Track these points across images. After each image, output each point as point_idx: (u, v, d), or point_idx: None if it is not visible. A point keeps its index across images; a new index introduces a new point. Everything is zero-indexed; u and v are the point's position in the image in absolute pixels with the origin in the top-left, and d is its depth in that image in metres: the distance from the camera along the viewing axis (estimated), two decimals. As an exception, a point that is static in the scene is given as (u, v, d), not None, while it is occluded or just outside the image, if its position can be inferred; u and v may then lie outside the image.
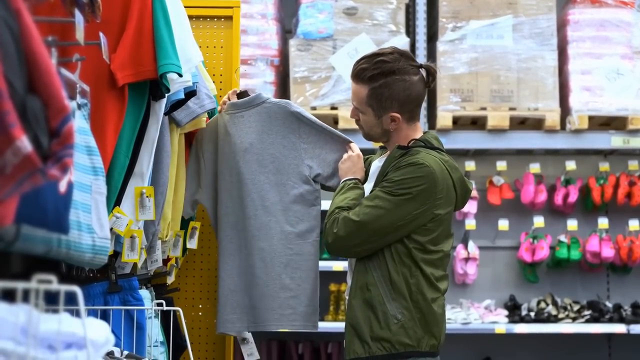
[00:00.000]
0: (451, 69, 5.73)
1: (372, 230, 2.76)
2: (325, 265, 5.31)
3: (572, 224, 5.94)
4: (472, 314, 5.80)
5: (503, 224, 6.00)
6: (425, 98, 2.97)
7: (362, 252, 2.80)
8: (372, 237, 2.77)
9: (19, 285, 1.33)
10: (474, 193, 5.91)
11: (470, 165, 5.98)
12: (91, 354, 1.44)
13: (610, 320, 5.79)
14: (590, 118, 5.76)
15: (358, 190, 2.91)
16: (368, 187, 2.92)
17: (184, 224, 3.28)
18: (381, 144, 3.09)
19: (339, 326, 5.46)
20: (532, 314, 5.88)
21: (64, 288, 1.38)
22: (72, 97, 2.00)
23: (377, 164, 2.95)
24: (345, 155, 3.05)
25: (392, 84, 2.82)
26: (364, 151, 3.37)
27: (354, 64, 2.91)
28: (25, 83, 1.36)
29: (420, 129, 2.94)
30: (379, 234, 2.77)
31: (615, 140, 5.79)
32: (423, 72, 2.88)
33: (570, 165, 5.98)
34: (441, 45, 5.80)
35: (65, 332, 1.41)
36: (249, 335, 3.28)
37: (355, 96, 2.90)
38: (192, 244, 3.32)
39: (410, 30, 6.05)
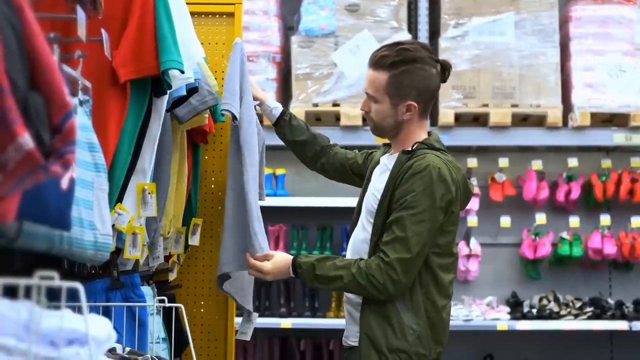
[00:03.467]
0: (453, 66, 5.69)
1: (424, 254, 2.76)
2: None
3: (574, 221, 5.93)
4: (474, 311, 5.80)
5: (505, 221, 6.00)
6: (434, 99, 2.97)
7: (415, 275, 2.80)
8: (422, 260, 2.77)
9: (21, 282, 1.33)
10: (476, 190, 5.91)
11: (472, 162, 5.98)
12: (93, 350, 1.44)
13: (613, 317, 5.79)
14: (593, 115, 5.75)
15: (319, 255, 2.93)
16: (376, 183, 2.90)
17: (186, 220, 3.29)
18: (384, 141, 3.09)
19: (341, 323, 5.48)
20: (534, 310, 5.87)
21: (66, 285, 1.38)
22: (74, 94, 2.00)
23: (385, 162, 2.93)
24: (261, 268, 2.96)
25: (413, 72, 2.82)
26: (367, 147, 3.37)
27: (373, 53, 2.89)
28: (27, 80, 1.36)
29: (427, 128, 2.94)
30: (427, 252, 2.77)
31: (617, 137, 5.79)
32: (439, 67, 2.89)
33: (573, 162, 5.97)
34: (443, 42, 5.80)
35: (67, 328, 1.42)
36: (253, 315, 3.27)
37: (371, 84, 2.87)
38: (194, 241, 3.32)
39: (412, 27, 6.05)
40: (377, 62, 2.85)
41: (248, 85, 3.18)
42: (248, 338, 3.26)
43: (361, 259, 2.81)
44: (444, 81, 2.91)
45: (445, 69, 2.89)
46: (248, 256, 2.99)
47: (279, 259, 2.95)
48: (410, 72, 2.82)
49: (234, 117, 3.08)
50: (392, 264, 2.72)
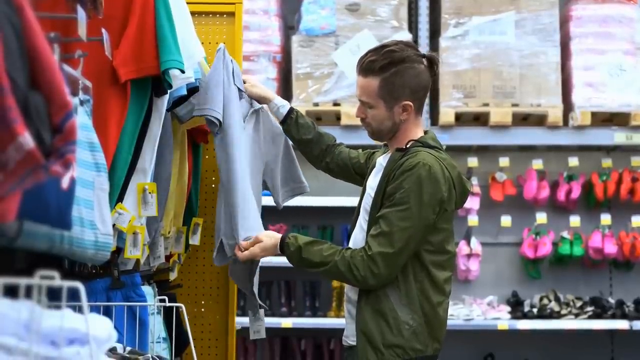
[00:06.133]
0: (454, 65, 5.72)
1: (409, 250, 2.76)
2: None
3: (574, 220, 5.94)
4: (474, 310, 5.80)
5: (505, 220, 6.00)
6: (428, 94, 2.97)
7: (399, 270, 2.80)
8: (409, 255, 2.77)
9: (22, 282, 1.33)
10: (477, 189, 5.92)
11: (472, 162, 5.98)
12: (94, 350, 1.44)
13: (613, 317, 5.79)
14: (593, 114, 5.75)
15: (309, 238, 2.92)
16: (371, 183, 2.91)
17: (187, 220, 3.29)
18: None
19: (342, 323, 5.49)
20: (535, 310, 5.87)
21: (67, 284, 1.38)
22: (74, 94, 2.00)
23: (380, 162, 2.94)
24: (255, 244, 2.95)
25: (403, 72, 2.82)
26: (367, 147, 3.37)
27: (360, 59, 2.89)
28: (28, 79, 1.35)
29: (422, 125, 2.94)
30: (414, 247, 2.77)
31: (618, 137, 5.79)
32: (426, 62, 2.89)
33: (573, 161, 5.97)
34: (444, 41, 5.79)
35: (68, 328, 1.42)
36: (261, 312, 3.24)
37: (364, 90, 2.87)
38: (195, 240, 3.32)
39: (413, 27, 6.05)
40: (366, 68, 2.85)
41: (234, 93, 3.10)
42: (263, 335, 3.24)
43: (348, 249, 2.84)
44: (434, 75, 2.91)
45: (432, 63, 2.89)
46: (237, 248, 3.00)
47: (266, 240, 2.95)
48: (400, 73, 2.82)
49: (220, 123, 3.01)
50: (374, 258, 2.74)
